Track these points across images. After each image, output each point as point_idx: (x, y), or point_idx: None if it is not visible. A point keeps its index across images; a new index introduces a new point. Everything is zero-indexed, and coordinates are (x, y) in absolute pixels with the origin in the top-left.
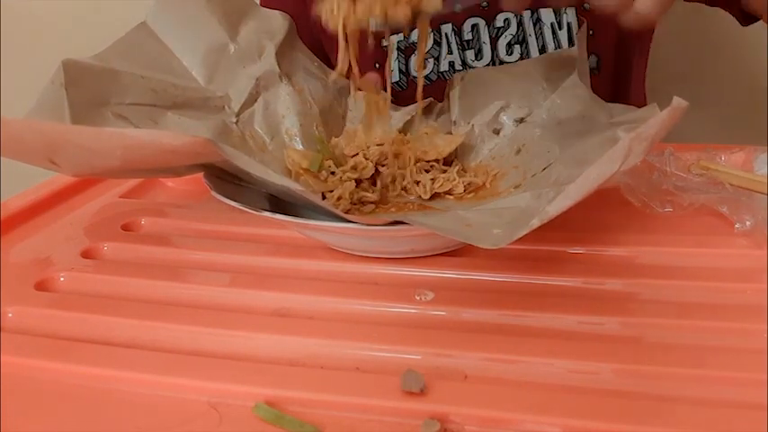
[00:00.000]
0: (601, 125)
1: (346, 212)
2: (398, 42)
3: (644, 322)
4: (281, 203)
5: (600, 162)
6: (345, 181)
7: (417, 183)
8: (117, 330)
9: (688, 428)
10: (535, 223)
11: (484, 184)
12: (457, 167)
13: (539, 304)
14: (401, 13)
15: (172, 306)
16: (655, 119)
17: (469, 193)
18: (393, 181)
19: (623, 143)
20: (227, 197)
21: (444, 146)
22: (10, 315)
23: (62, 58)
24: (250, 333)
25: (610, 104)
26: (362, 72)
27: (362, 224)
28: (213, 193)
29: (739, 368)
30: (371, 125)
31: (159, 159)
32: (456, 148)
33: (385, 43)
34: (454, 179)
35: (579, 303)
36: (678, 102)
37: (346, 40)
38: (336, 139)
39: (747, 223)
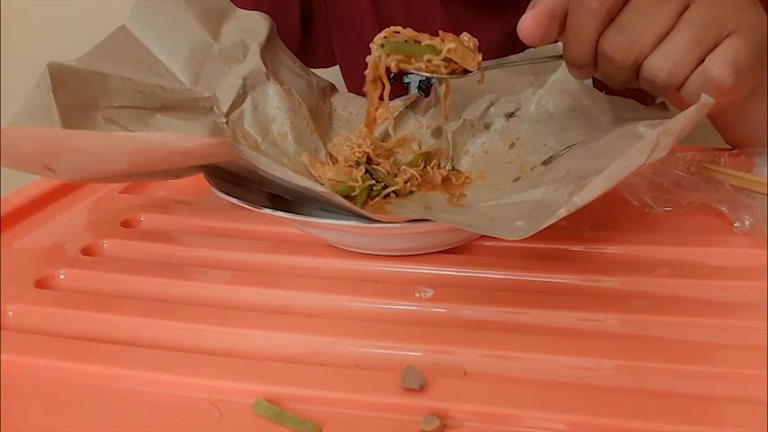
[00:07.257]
0: (600, 119)
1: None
2: None
3: (643, 319)
4: (280, 201)
5: (627, 154)
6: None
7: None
8: (117, 328)
9: (688, 424)
10: (562, 212)
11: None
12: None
13: (538, 301)
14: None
15: (172, 303)
16: (683, 114)
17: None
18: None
19: (651, 136)
20: (228, 194)
21: None
22: (10, 313)
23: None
24: (250, 330)
25: (609, 97)
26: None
27: (386, 223)
28: (214, 190)
29: (739, 365)
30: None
31: (167, 162)
32: (449, 146)
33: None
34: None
35: (578, 300)
36: (705, 99)
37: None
38: (339, 142)
39: (746, 222)
